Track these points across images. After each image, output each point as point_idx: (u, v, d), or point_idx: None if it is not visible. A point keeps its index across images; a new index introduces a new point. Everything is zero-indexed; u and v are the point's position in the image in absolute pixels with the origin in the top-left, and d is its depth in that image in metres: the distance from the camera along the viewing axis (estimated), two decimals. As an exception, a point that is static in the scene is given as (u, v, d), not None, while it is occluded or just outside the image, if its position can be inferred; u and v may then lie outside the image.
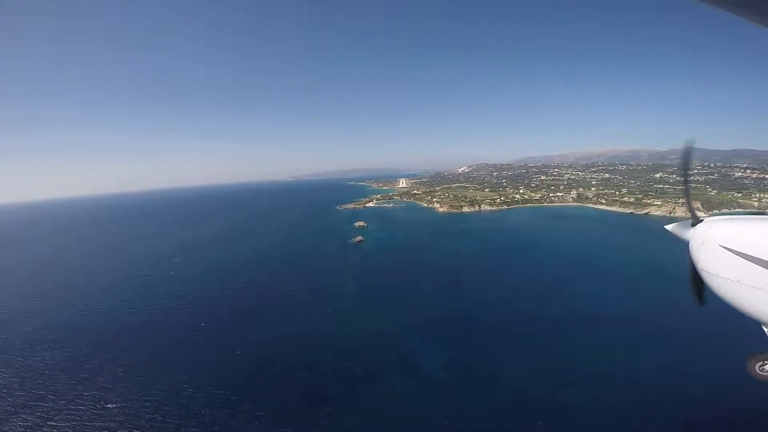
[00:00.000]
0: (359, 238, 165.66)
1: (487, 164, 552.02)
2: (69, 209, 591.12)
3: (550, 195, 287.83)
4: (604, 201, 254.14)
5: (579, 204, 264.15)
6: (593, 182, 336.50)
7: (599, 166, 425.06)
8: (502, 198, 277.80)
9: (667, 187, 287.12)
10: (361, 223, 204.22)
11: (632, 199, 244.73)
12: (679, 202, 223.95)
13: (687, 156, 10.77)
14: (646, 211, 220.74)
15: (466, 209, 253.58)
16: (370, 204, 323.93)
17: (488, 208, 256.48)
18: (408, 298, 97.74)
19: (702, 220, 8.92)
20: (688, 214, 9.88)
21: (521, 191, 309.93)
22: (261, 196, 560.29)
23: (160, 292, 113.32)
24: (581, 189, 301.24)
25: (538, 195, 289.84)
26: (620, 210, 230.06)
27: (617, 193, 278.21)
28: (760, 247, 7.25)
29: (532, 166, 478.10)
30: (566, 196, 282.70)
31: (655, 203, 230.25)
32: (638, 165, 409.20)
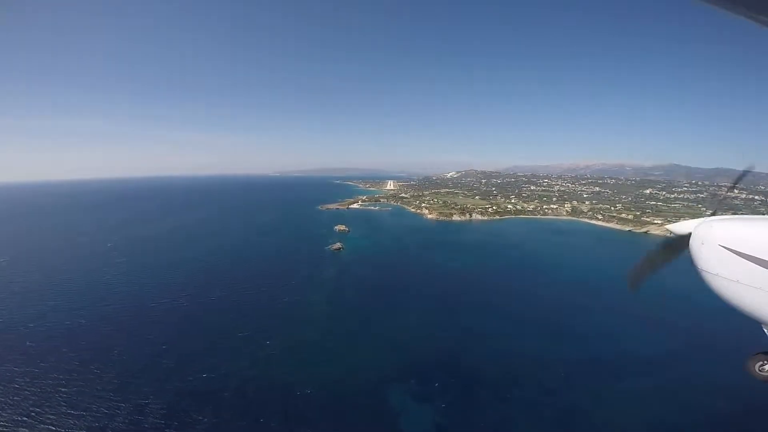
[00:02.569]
0: (338, 245, 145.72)
1: (475, 171, 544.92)
2: (37, 193, 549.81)
3: (544, 207, 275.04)
4: (600, 216, 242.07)
5: (573, 218, 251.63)
6: (584, 195, 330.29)
7: (588, 178, 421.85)
8: (494, 207, 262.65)
9: (661, 204, 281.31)
10: (343, 227, 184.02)
11: (630, 216, 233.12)
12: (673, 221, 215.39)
13: (741, 177, 10.98)
14: (645, 229, 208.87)
15: (456, 217, 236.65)
16: (355, 205, 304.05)
17: (480, 217, 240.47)
18: (389, 328, 78.60)
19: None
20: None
21: (513, 201, 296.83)
22: (242, 190, 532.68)
23: (82, 303, 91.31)
24: (574, 202, 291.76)
25: (531, 206, 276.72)
26: (618, 227, 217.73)
27: (612, 208, 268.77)
28: (760, 247, 7.21)
29: (521, 176, 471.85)
30: (560, 209, 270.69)
31: (655, 222, 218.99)
32: (627, 180, 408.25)
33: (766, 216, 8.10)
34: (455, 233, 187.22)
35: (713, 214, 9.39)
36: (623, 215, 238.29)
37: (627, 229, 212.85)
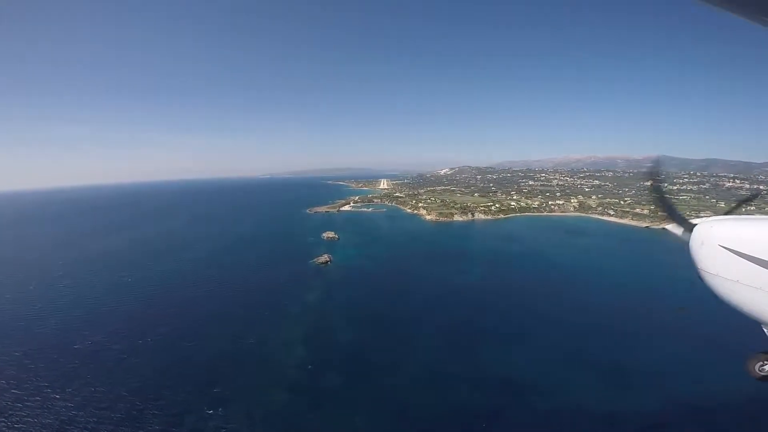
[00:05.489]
0: (325, 257, 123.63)
1: (469, 167, 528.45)
2: (9, 204, 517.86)
3: (549, 203, 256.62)
4: (612, 212, 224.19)
5: (582, 214, 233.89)
6: (586, 189, 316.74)
7: (585, 171, 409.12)
8: (497, 205, 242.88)
9: (667, 197, 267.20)
10: (331, 234, 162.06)
11: (645, 211, 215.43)
12: (690, 215, 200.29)
13: (657, 166, 10.70)
14: (663, 225, 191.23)
15: (457, 217, 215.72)
16: (346, 207, 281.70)
17: (483, 216, 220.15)
18: (388, 381, 57.53)
19: (694, 224, 8.88)
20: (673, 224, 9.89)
21: (515, 198, 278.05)
22: (228, 194, 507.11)
23: None
24: (580, 197, 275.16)
25: (536, 203, 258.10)
26: (633, 223, 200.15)
27: (621, 202, 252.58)
28: (760, 247, 7.18)
29: (517, 170, 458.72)
30: (567, 205, 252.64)
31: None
32: (624, 172, 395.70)
33: (765, 216, 7.95)
34: (461, 238, 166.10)
35: (728, 213, 9.31)
36: (637, 210, 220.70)
37: (644, 225, 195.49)
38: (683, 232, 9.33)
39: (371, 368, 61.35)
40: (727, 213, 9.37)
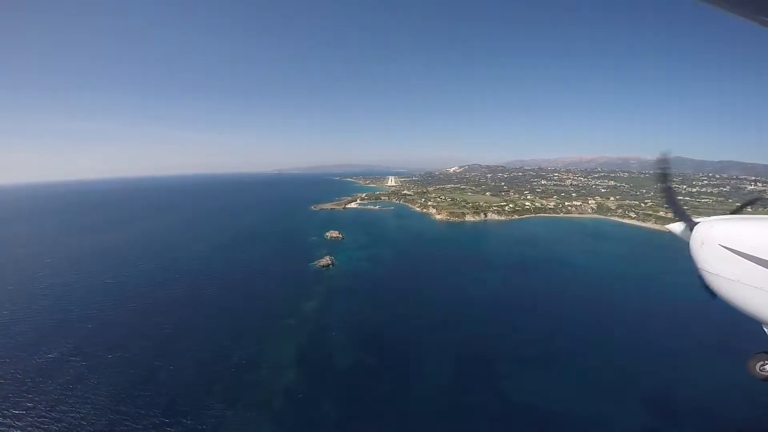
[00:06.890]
0: (327, 260, 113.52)
1: (479, 165, 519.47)
2: (16, 197, 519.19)
3: (566, 204, 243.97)
4: (633, 215, 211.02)
5: (601, 216, 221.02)
6: (602, 189, 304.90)
7: (600, 171, 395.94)
8: (511, 205, 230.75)
9: (690, 200, 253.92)
10: (335, 234, 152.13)
11: (669, 214, 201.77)
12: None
13: (665, 165, 10.84)
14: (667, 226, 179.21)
15: (469, 217, 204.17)
16: (353, 205, 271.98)
17: (496, 217, 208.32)
18: (392, 414, 47.54)
19: (697, 222, 8.77)
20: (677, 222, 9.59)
21: (529, 198, 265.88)
22: (235, 189, 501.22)
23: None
24: (598, 198, 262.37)
25: (551, 203, 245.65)
26: (657, 227, 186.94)
27: (641, 204, 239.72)
28: (760, 247, 7.18)
29: (529, 170, 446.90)
30: (584, 206, 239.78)
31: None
32: (639, 173, 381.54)
33: (766, 216, 7.88)
34: (475, 240, 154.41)
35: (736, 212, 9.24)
36: (660, 213, 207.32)
37: (667, 229, 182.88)
38: (684, 230, 9.03)
39: (373, 398, 51.44)
40: (733, 213, 9.03)
